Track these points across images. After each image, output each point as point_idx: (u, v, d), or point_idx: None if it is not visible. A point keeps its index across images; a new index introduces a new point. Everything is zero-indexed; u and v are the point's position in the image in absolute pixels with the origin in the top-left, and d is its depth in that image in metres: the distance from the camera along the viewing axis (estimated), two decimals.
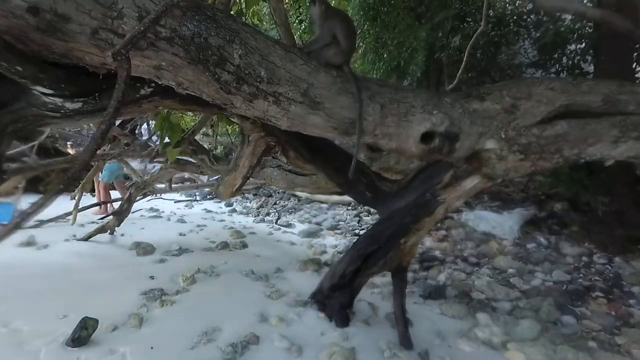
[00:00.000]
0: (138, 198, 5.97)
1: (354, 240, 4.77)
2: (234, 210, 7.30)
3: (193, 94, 1.54)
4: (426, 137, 2.00)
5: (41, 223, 4.96)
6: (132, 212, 6.54)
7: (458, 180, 2.43)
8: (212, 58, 1.40)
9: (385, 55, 7.00)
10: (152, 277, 3.53)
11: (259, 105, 1.59)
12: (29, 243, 4.39)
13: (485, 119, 2.11)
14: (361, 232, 5.48)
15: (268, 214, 6.93)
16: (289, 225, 6.07)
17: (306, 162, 2.74)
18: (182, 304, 3.02)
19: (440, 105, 2.00)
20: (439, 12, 5.83)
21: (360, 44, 7.87)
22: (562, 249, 4.24)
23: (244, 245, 4.77)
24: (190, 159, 4.52)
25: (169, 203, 7.73)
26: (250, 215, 7.01)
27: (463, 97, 2.14)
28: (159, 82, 1.48)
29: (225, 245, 4.68)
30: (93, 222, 5.64)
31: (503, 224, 4.76)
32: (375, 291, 3.35)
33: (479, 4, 5.47)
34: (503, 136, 2.12)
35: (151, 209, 7.17)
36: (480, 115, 2.11)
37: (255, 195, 8.45)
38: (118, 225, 4.89)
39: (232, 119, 2.58)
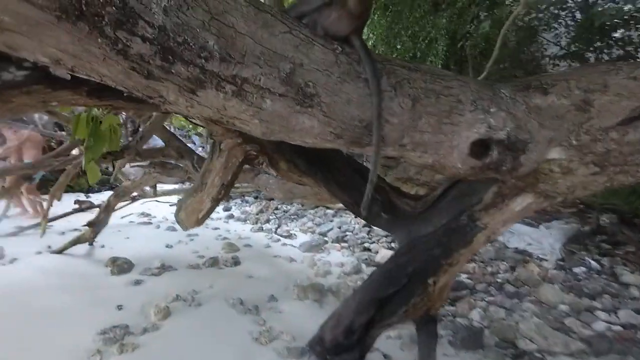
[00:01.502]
0: (125, 203, 5.44)
1: (364, 271, 4.23)
2: (231, 216, 6.68)
3: (95, 79, 0.90)
4: (478, 146, 1.35)
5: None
6: (123, 217, 6.09)
7: (504, 199, 1.80)
8: (106, 11, 0.76)
9: (398, 47, 6.33)
10: (119, 307, 2.95)
11: (209, 98, 0.95)
12: None
13: (553, 120, 1.48)
14: (371, 246, 4.80)
15: (268, 221, 6.30)
16: (289, 236, 5.41)
17: (302, 175, 2.09)
18: (147, 348, 2.45)
19: (498, 100, 1.36)
20: None
21: (370, 35, 7.20)
22: (621, 275, 3.51)
23: (236, 262, 4.15)
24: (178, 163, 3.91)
25: (164, 207, 7.12)
26: (248, 222, 6.38)
27: (521, 89, 1.50)
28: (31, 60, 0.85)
29: (214, 262, 4.07)
30: (75, 230, 5.09)
31: (541, 241, 3.99)
32: (392, 335, 2.68)
33: None
34: (574, 142, 1.49)
35: (143, 214, 6.59)
36: (547, 114, 1.47)
37: (256, 198, 7.81)
38: (94, 237, 4.31)
39: (191, 120, 1.93)
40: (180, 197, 2.00)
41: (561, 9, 4.85)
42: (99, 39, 0.78)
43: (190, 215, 1.82)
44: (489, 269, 3.82)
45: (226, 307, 3.00)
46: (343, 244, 4.94)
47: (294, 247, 4.88)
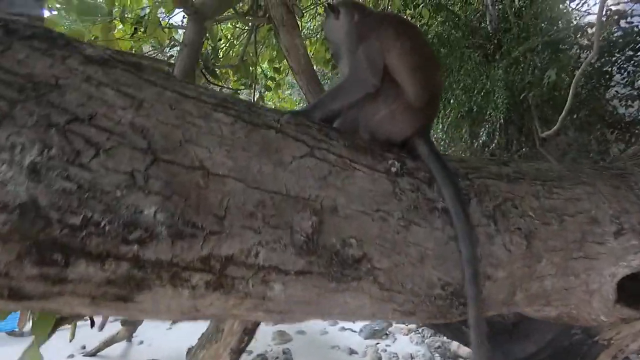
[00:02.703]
0: None
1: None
2: None
3: None
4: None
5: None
6: None
7: None
8: None
9: (452, 101, 5.94)
10: None
11: (159, 301, 0.51)
12: None
13: None
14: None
15: None
16: None
17: None
18: None
19: None
20: (517, 45, 4.73)
21: None
22: None
23: (287, 359, 3.63)
24: None
25: None
26: None
27: None
28: None
29: None
30: (117, 321, 4.81)
31: None
32: None
33: (573, 27, 4.30)
34: None
35: None
36: None
37: None
38: (131, 334, 3.98)
39: None
40: (191, 347, 1.55)
41: (634, 50, 4.24)
42: None
43: None
44: None
45: None
46: (410, 326, 4.24)
47: (354, 332, 4.26)
